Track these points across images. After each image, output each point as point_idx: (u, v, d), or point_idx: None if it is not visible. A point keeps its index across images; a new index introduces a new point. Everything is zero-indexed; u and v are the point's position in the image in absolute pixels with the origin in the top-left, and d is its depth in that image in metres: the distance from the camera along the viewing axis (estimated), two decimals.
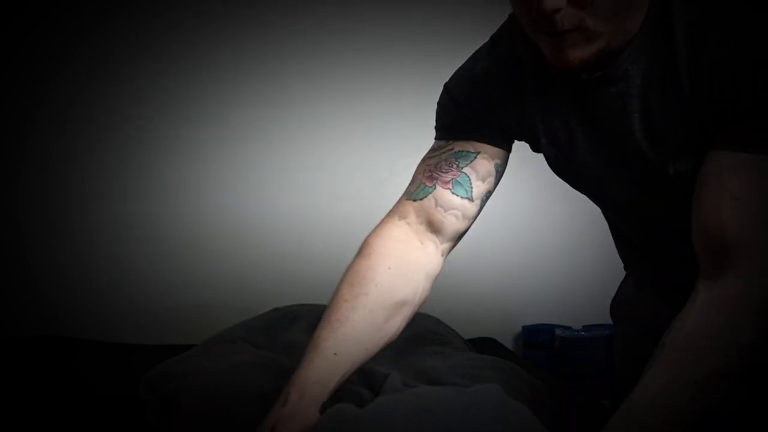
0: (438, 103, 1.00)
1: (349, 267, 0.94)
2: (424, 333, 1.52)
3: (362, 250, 0.95)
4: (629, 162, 0.85)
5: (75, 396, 1.32)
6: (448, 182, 0.94)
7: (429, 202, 0.94)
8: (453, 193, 0.94)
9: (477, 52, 0.97)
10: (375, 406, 0.89)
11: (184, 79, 2.13)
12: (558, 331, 2.13)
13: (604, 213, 1.07)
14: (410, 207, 0.96)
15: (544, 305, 2.26)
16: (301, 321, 1.45)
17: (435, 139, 1.00)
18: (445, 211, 0.94)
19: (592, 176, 0.90)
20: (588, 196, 1.00)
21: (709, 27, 0.75)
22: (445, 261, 0.98)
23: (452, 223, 0.95)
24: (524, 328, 2.24)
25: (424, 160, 0.99)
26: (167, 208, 2.14)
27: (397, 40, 2.19)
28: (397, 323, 0.93)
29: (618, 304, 1.19)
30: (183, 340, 1.76)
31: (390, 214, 0.98)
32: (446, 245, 0.98)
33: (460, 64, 1.00)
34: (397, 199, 1.00)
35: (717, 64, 0.74)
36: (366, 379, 1.08)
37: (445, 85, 0.99)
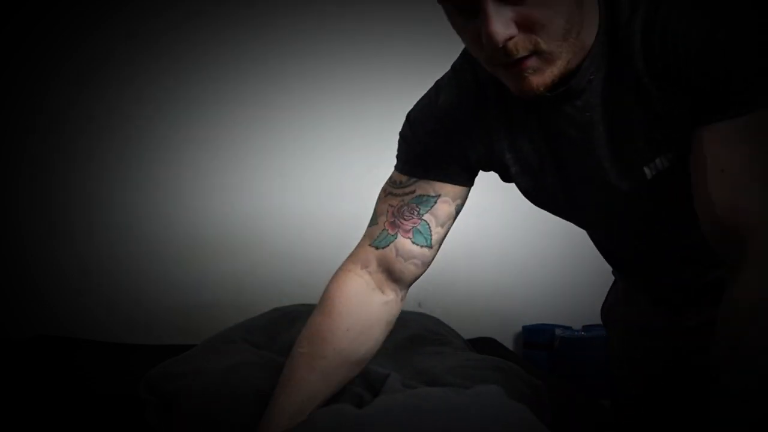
0: (400, 134, 0.97)
1: (311, 320, 0.96)
2: (424, 333, 1.52)
3: (324, 305, 0.96)
4: (604, 172, 0.82)
5: (75, 396, 1.32)
6: (408, 231, 0.95)
7: (390, 252, 0.95)
8: (413, 243, 0.95)
9: (441, 79, 0.95)
10: (375, 406, 0.89)
11: (184, 79, 2.13)
12: (558, 331, 2.13)
13: (592, 237, 1.06)
14: (372, 255, 0.97)
15: (544, 305, 2.27)
16: (300, 321, 1.43)
17: (396, 169, 0.98)
18: (405, 260, 0.96)
19: (571, 197, 0.88)
20: (575, 222, 0.98)
21: (656, 13, 0.72)
22: (403, 303, 1.01)
23: (411, 271, 0.97)
24: (524, 328, 2.24)
25: (386, 194, 0.97)
26: (167, 208, 2.14)
27: (397, 40, 2.19)
28: (354, 374, 0.98)
29: (609, 308, 1.19)
30: (183, 340, 1.77)
31: (353, 260, 0.98)
32: (404, 292, 1.00)
33: None
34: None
35: (665, 44, 0.71)
36: (366, 379, 1.08)
37: (408, 115, 0.96)
